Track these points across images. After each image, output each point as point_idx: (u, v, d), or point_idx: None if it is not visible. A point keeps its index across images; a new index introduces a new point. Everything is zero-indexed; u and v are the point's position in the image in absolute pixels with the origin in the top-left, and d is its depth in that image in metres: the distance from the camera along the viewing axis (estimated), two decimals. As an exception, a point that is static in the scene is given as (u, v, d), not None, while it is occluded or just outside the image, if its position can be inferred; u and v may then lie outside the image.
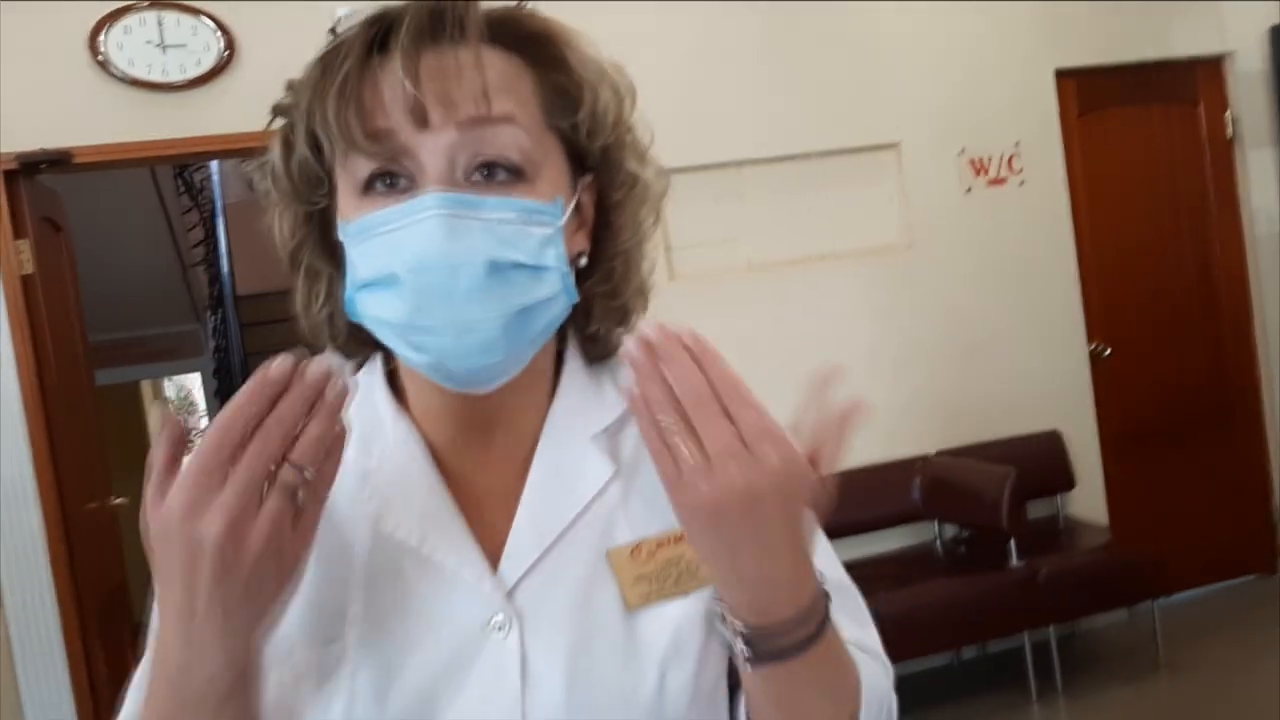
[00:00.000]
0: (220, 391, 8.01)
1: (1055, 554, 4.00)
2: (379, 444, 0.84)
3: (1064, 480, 4.35)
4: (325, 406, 0.66)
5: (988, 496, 3.80)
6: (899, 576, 3.86)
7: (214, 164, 8.26)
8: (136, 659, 0.81)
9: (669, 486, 0.68)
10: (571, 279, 0.79)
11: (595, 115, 0.81)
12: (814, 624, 0.73)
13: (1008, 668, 4.06)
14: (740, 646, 0.73)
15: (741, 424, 0.65)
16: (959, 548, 4.20)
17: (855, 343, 4.19)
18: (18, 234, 3.47)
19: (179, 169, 7.53)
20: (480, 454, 0.85)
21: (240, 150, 3.92)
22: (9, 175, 3.44)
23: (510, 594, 0.79)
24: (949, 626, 3.75)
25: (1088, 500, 4.43)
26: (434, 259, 0.72)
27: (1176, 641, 4.12)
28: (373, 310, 0.77)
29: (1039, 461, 4.25)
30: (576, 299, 0.80)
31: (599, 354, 0.90)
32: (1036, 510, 4.25)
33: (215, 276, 8.08)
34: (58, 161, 3.44)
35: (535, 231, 0.76)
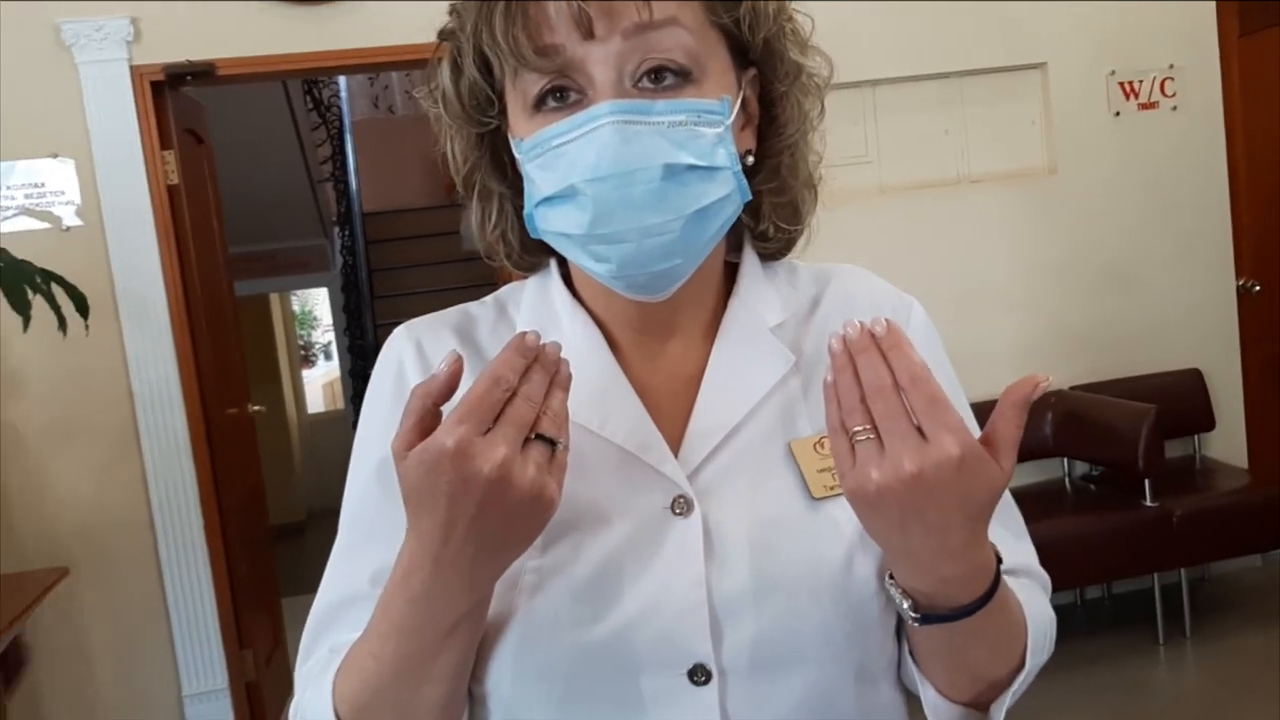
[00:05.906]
0: (348, 307, 8.20)
1: (1191, 495, 3.87)
2: (555, 338, 0.85)
3: (1204, 420, 4.20)
4: (561, 381, 0.70)
5: (1125, 434, 3.69)
6: (1026, 512, 3.76)
7: (341, 81, 8.39)
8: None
9: (840, 469, 0.69)
10: (743, 177, 0.79)
11: (756, 7, 0.80)
12: (984, 589, 0.73)
13: (1134, 609, 3.98)
14: (907, 607, 0.74)
15: (920, 413, 0.66)
16: (1089, 485, 4.09)
17: (991, 270, 4.07)
18: (164, 145, 3.58)
19: (308, 85, 7.66)
20: (657, 354, 0.86)
21: (376, 65, 3.97)
22: (156, 87, 3.54)
23: (692, 476, 0.80)
24: (1077, 565, 3.66)
25: (1227, 442, 4.26)
26: (610, 167, 0.73)
27: (1313, 590, 3.98)
28: (553, 224, 0.78)
29: (1178, 400, 4.10)
30: (749, 197, 0.80)
31: (772, 252, 0.92)
32: (1172, 450, 4.11)
33: (343, 193, 8.24)
34: (202, 73, 3.52)
35: (706, 132, 0.76)
